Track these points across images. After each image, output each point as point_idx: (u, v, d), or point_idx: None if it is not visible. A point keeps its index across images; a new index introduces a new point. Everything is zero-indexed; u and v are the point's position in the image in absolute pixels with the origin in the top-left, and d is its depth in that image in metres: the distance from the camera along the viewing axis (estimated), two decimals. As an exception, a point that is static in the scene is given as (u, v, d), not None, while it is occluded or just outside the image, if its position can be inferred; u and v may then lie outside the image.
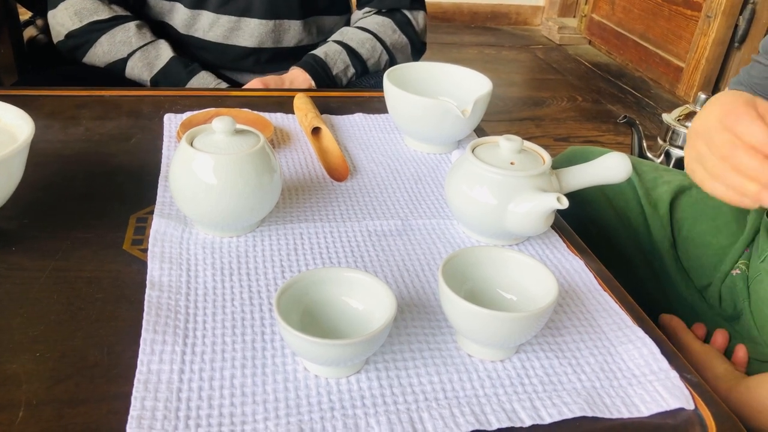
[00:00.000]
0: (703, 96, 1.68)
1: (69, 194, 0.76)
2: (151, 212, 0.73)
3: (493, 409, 0.53)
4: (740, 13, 2.84)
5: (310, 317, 0.57)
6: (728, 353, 0.80)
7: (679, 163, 1.76)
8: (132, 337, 0.56)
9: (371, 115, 1.02)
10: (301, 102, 0.99)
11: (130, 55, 1.14)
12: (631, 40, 3.45)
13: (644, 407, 0.54)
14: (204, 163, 0.65)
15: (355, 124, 0.99)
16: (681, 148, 1.75)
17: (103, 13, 1.14)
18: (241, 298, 0.62)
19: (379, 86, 0.95)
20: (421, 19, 1.29)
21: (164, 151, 0.85)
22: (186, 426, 0.49)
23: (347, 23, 1.32)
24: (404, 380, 0.55)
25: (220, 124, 0.67)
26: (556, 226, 0.78)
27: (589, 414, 0.53)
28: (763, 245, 0.84)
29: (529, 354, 0.59)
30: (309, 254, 0.69)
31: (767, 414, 0.65)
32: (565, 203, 0.66)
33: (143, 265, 0.65)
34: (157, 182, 0.78)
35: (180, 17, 1.19)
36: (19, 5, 1.39)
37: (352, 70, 1.22)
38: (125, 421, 0.48)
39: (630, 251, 0.97)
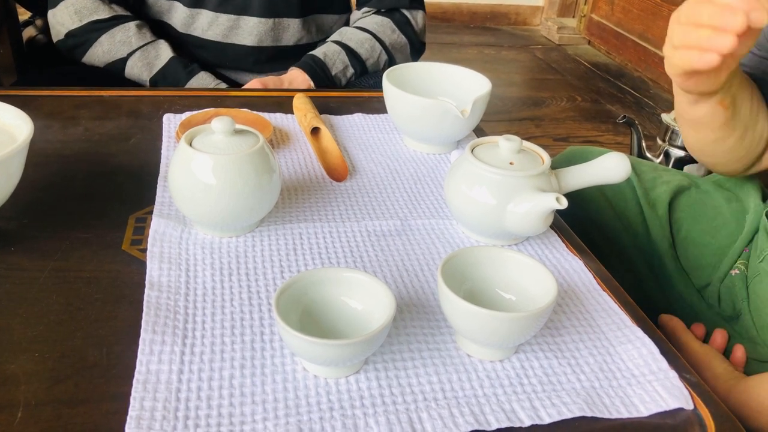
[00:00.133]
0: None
1: (68, 194, 0.76)
2: (151, 212, 0.73)
3: (492, 409, 0.53)
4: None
5: (310, 317, 0.57)
6: (727, 353, 0.80)
7: (679, 163, 1.76)
8: (131, 338, 0.56)
9: (370, 115, 1.02)
10: (300, 102, 0.99)
11: (129, 54, 1.14)
12: (630, 40, 3.45)
13: (643, 407, 0.54)
14: (203, 163, 0.65)
15: (354, 124, 0.99)
16: (681, 148, 1.75)
17: (103, 13, 1.14)
18: (240, 298, 0.62)
19: (378, 86, 0.95)
20: (420, 19, 1.29)
21: (163, 152, 0.85)
22: (185, 426, 0.49)
23: (347, 22, 1.32)
24: (403, 380, 0.55)
25: (220, 125, 0.67)
26: (555, 226, 0.78)
27: (589, 414, 0.53)
28: (762, 245, 0.84)
29: (529, 354, 0.59)
30: (308, 254, 0.69)
31: (766, 414, 0.65)
32: (564, 203, 0.67)
33: (142, 265, 0.65)
34: (156, 182, 0.78)
35: (179, 16, 1.19)
36: (18, 5, 1.39)
37: (351, 70, 1.22)
38: (124, 422, 0.48)
39: (629, 251, 0.97)
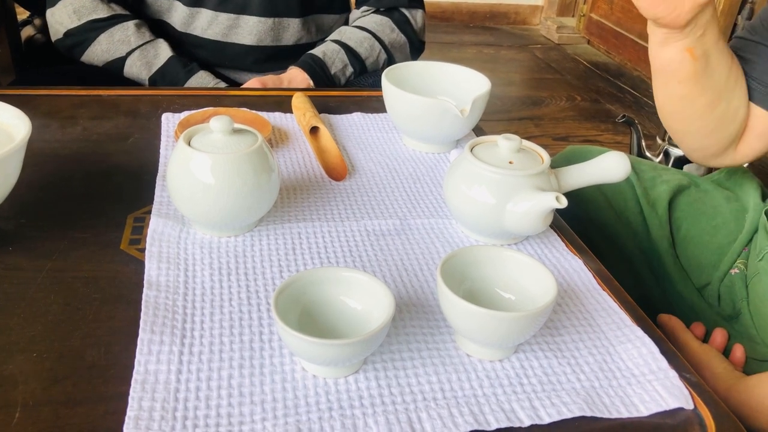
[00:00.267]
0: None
1: (66, 194, 0.76)
2: (149, 212, 0.73)
3: (491, 409, 0.53)
4: (739, 12, 2.84)
5: (308, 317, 0.56)
6: (727, 352, 0.80)
7: (679, 162, 1.76)
8: (129, 337, 0.56)
9: (369, 115, 1.02)
10: (299, 101, 0.98)
11: (128, 54, 1.14)
12: (629, 39, 3.45)
13: (643, 407, 0.54)
14: (202, 163, 0.65)
15: (353, 123, 0.99)
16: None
17: (102, 12, 1.13)
18: (239, 298, 0.62)
19: (377, 85, 0.95)
20: (419, 18, 1.29)
21: (162, 151, 0.85)
22: (183, 426, 0.48)
23: (346, 21, 1.32)
24: (402, 380, 0.55)
25: (218, 124, 0.67)
26: (554, 226, 0.78)
27: (588, 414, 0.53)
28: (761, 244, 0.84)
29: (528, 354, 0.59)
30: (307, 254, 0.69)
31: (766, 413, 0.65)
32: (563, 202, 0.66)
33: (141, 264, 0.65)
34: (154, 182, 0.78)
35: (178, 15, 1.19)
36: (16, 4, 1.39)
37: (350, 70, 1.22)
38: (122, 422, 0.48)
39: (629, 251, 0.97)
